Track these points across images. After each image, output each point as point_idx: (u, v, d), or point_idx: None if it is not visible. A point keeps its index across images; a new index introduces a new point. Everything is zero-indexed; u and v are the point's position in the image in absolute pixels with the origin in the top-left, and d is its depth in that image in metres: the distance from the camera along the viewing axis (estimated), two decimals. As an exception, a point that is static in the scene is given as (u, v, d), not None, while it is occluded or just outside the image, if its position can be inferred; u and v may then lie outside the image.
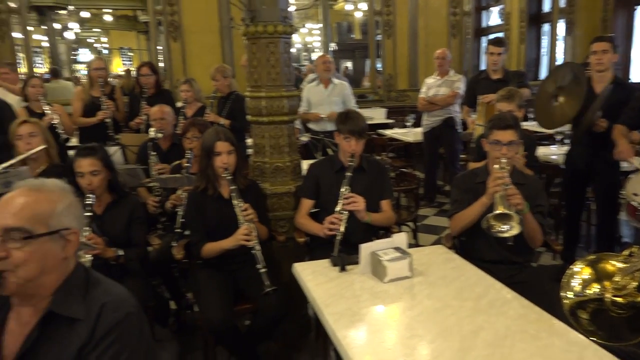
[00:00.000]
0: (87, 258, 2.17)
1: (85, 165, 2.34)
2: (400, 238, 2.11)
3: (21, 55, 7.26)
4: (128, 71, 10.75)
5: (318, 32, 12.23)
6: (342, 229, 2.41)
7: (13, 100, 4.35)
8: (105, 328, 1.15)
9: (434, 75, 5.41)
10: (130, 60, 16.07)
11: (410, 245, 2.16)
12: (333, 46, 10.68)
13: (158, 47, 7.70)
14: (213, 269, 2.48)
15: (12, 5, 6.57)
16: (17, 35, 6.92)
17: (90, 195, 2.32)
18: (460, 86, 5.19)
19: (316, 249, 2.58)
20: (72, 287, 1.21)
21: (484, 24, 9.15)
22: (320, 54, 6.55)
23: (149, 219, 2.91)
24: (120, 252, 2.36)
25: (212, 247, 2.47)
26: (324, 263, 2.18)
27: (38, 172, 2.74)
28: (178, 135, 3.44)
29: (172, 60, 7.14)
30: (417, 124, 6.33)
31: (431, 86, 5.36)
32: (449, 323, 1.63)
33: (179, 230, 2.86)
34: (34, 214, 1.16)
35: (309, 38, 13.83)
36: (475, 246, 2.38)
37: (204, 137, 2.53)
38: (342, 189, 2.48)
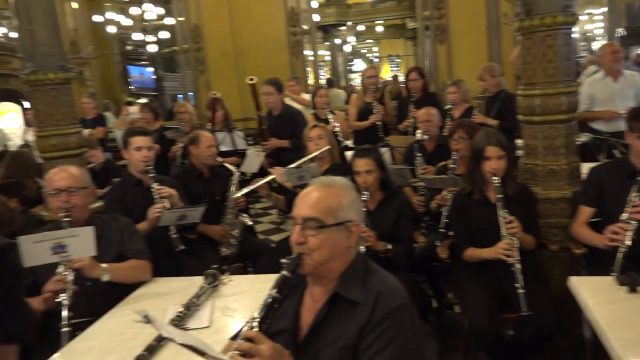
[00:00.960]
0: (361, 249, 2.40)
1: (361, 164, 2.58)
2: None
3: (309, 69, 8.44)
4: (395, 77, 11.40)
5: (600, 17, 10.72)
6: (627, 241, 2.08)
7: (298, 108, 5.11)
8: (381, 314, 1.26)
9: None
10: (397, 66, 16.99)
11: None
12: (620, 32, 9.21)
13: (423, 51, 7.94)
14: (477, 273, 2.44)
15: (305, 27, 7.70)
16: (307, 52, 8.08)
17: (365, 192, 2.55)
18: None
19: (596, 262, 2.29)
20: (354, 274, 1.35)
21: None
22: (604, 42, 5.74)
23: (413, 217, 3.03)
24: (389, 246, 2.52)
25: (472, 253, 2.43)
26: (607, 280, 1.91)
27: (323, 169, 3.14)
28: (444, 137, 3.48)
29: (437, 63, 7.27)
30: None
31: None
32: None
33: (443, 230, 2.90)
34: (326, 207, 1.34)
35: (588, 25, 12.26)
36: None
37: (474, 140, 2.50)
38: (632, 196, 2.14)
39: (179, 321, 1.85)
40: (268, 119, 4.49)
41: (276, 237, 5.00)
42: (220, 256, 3.20)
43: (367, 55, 18.20)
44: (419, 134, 3.59)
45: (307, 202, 1.35)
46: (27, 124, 6.99)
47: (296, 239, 1.32)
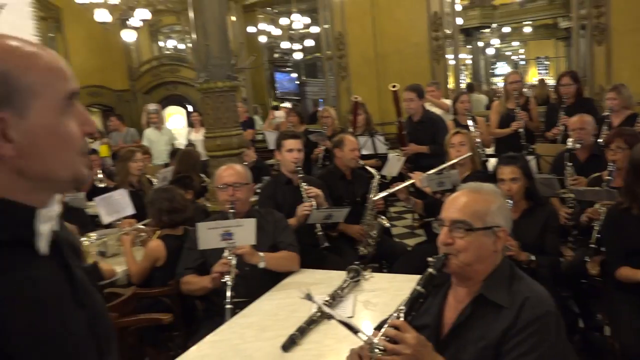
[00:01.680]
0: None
1: (506, 172, 2.54)
2: None
3: (449, 73, 8.31)
4: (542, 81, 10.69)
5: None
6: None
7: (438, 113, 5.09)
8: (526, 319, 1.28)
9: None
10: (546, 69, 15.86)
11: None
12: None
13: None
14: (633, 294, 2.26)
15: (447, 31, 7.61)
16: (447, 56, 7.96)
17: (509, 201, 2.50)
18: None
19: None
20: (499, 278, 1.39)
21: None
22: None
23: (560, 229, 2.89)
24: (533, 257, 2.45)
25: (627, 273, 2.27)
26: None
27: (464, 176, 3.14)
28: (600, 146, 3.25)
29: (594, 65, 6.70)
30: None
31: None
32: None
33: (593, 245, 2.72)
34: (474, 211, 1.39)
35: None
36: None
37: (635, 151, 2.32)
38: None
39: (326, 313, 2.01)
40: (408, 124, 4.56)
41: (410, 241, 5.04)
42: (358, 255, 3.36)
43: (513, 57, 17.27)
44: (570, 143, 3.39)
45: (456, 205, 1.42)
46: (191, 125, 7.90)
47: (443, 239, 1.40)
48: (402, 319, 1.31)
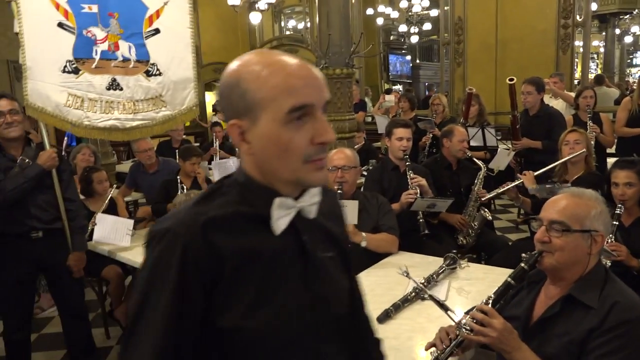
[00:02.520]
0: (607, 263, 2.32)
1: (621, 176, 2.46)
2: None
3: (577, 60, 7.75)
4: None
5: None
6: None
7: (557, 106, 4.86)
8: (614, 322, 1.33)
9: None
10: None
11: None
12: None
13: None
14: None
15: (578, 18, 7.11)
16: (576, 43, 7.44)
17: (620, 206, 2.44)
18: None
19: None
20: (592, 280, 1.44)
21: None
22: None
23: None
24: (645, 264, 2.37)
25: None
26: None
27: (575, 177, 3.05)
28: None
29: None
30: None
31: None
32: None
33: None
34: (573, 214, 1.45)
35: None
36: None
37: None
38: None
39: (420, 290, 2.16)
40: (523, 117, 4.43)
41: (513, 236, 4.95)
42: (457, 244, 3.41)
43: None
44: None
45: (556, 207, 1.49)
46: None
47: (540, 237, 1.48)
48: (489, 305, 1.43)
